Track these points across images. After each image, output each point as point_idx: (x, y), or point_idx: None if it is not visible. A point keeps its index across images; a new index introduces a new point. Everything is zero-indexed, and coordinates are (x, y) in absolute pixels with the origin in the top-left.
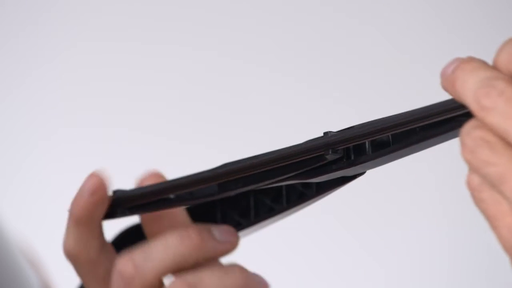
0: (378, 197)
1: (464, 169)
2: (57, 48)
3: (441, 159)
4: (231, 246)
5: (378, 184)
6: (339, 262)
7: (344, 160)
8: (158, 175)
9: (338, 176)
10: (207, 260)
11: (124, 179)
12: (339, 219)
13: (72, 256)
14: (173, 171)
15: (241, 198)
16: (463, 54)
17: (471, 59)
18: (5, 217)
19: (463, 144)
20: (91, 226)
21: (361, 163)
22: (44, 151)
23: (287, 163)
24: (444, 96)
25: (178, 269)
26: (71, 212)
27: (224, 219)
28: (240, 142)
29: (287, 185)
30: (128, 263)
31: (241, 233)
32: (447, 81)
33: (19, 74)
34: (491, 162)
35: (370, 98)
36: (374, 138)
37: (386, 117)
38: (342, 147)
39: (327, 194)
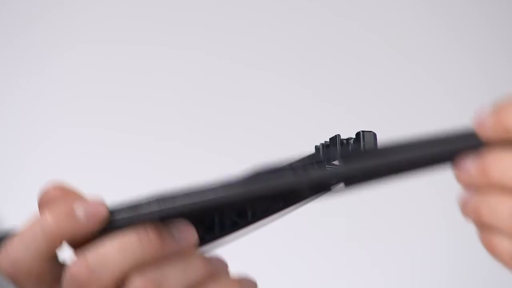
0: (378, 201)
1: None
2: (58, 49)
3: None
4: (189, 243)
5: (378, 188)
6: (340, 265)
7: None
8: (61, 187)
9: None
10: (166, 259)
11: (123, 181)
12: (339, 222)
13: (18, 267)
14: (173, 174)
15: None
16: (463, 55)
17: None
18: (5, 217)
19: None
20: (61, 244)
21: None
22: (44, 151)
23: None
24: (442, 99)
25: (137, 269)
26: (50, 224)
27: (221, 220)
28: (240, 145)
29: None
30: (82, 266)
31: (239, 233)
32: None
33: (20, 74)
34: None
35: (371, 100)
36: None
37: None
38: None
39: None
